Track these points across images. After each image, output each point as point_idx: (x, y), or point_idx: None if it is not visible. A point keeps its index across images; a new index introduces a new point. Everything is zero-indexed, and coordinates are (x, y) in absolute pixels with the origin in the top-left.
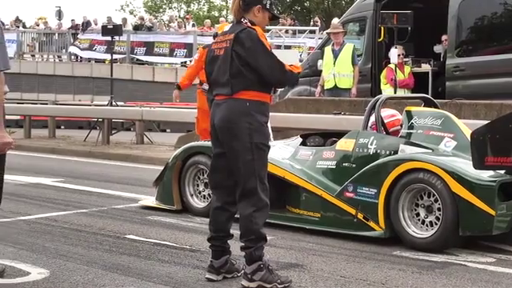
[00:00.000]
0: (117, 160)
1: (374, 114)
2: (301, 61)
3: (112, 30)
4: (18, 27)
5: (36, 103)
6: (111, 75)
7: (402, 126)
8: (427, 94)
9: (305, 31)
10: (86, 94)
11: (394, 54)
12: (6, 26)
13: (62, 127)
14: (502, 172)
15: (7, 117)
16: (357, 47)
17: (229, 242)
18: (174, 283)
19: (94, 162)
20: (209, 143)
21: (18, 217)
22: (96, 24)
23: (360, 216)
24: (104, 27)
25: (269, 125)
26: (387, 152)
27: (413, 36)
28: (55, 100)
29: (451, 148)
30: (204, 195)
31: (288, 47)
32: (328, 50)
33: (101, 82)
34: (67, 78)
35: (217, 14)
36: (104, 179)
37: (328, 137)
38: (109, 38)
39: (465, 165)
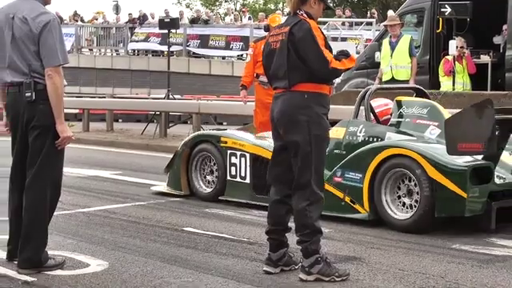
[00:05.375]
0: None
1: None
2: (358, 53)
3: (169, 24)
4: (77, 21)
5: (94, 97)
6: (168, 68)
7: (391, 114)
8: (486, 85)
9: (362, 23)
10: (143, 88)
11: (453, 45)
12: (65, 21)
13: (120, 120)
14: (480, 158)
15: (66, 110)
16: (414, 39)
17: (286, 234)
18: (231, 275)
19: (152, 154)
20: (214, 132)
21: (78, 209)
22: (153, 18)
23: (347, 199)
24: (161, 20)
25: None
26: (375, 139)
27: (472, 27)
28: (113, 93)
29: (435, 136)
30: (209, 181)
31: (344, 39)
32: (386, 42)
33: (158, 76)
34: (124, 72)
35: (273, 7)
36: (162, 172)
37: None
38: (166, 31)
39: (442, 151)
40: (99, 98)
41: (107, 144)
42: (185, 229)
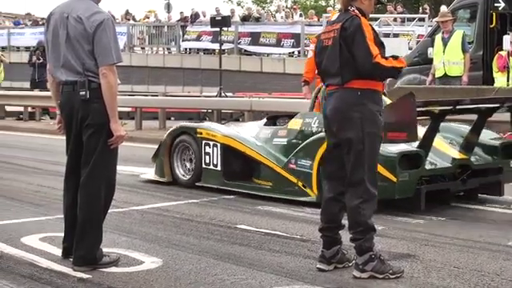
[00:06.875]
0: None
1: None
2: (410, 49)
3: (220, 22)
4: (129, 20)
5: (146, 95)
6: (220, 66)
7: None
8: None
9: (414, 19)
10: (195, 86)
11: (507, 40)
12: (117, 20)
13: (172, 118)
14: (415, 145)
15: (119, 109)
16: (468, 34)
17: (340, 232)
18: (285, 273)
19: None
20: (192, 124)
21: (131, 207)
22: (204, 16)
23: (300, 184)
24: (213, 19)
25: None
26: None
27: None
28: (165, 92)
29: None
30: (189, 169)
31: (396, 35)
32: (438, 38)
33: (209, 74)
34: (176, 70)
35: (324, 4)
36: None
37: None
38: (217, 29)
39: None
40: (152, 96)
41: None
42: (238, 226)
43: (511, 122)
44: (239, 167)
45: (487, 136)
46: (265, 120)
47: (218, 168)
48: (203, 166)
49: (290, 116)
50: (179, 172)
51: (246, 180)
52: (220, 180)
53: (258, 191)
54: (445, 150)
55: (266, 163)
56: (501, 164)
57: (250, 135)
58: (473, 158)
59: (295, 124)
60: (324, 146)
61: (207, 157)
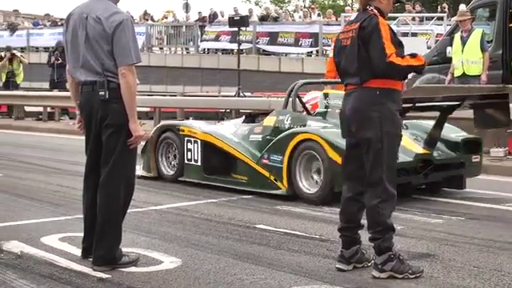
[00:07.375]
0: None
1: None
2: (428, 48)
3: (239, 21)
4: (147, 20)
5: (165, 95)
6: (238, 66)
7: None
8: None
9: (432, 18)
10: (213, 86)
11: None
12: (135, 20)
13: (191, 118)
14: None
15: (138, 109)
16: (487, 33)
17: (359, 231)
18: (304, 273)
19: None
20: (175, 122)
21: (150, 206)
22: (223, 16)
23: (272, 178)
24: (231, 18)
25: None
26: (298, 126)
27: None
28: (183, 92)
29: None
30: (173, 164)
31: (415, 34)
32: (457, 36)
33: (228, 74)
34: (195, 70)
35: (342, 3)
36: None
37: None
38: (235, 29)
39: (339, 134)
40: (170, 96)
41: None
42: (257, 226)
43: (474, 119)
44: (218, 162)
45: (450, 132)
46: (243, 118)
47: (199, 163)
48: (185, 161)
49: (268, 114)
50: (164, 168)
51: (224, 175)
52: (200, 175)
53: (235, 185)
54: (409, 145)
55: (242, 159)
56: (463, 159)
57: (229, 132)
58: (435, 153)
59: (270, 121)
60: (293, 141)
61: (189, 153)
